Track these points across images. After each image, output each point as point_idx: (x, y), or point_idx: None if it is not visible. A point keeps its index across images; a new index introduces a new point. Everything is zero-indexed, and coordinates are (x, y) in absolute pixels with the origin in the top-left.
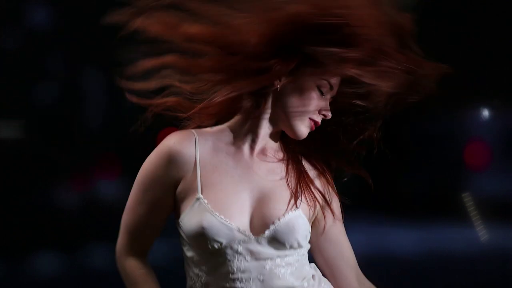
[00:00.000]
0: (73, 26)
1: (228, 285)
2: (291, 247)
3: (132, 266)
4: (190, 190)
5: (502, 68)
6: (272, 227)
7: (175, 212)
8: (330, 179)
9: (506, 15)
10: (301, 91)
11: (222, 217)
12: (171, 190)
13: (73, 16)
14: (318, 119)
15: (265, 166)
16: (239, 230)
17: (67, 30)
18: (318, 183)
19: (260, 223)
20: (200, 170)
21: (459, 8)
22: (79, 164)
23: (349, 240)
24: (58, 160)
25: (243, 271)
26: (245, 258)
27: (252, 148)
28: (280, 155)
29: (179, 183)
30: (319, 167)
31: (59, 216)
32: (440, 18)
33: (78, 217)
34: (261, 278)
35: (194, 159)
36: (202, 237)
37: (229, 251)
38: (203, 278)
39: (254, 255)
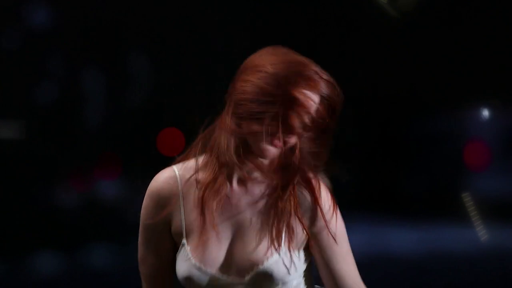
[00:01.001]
0: (73, 26)
1: None
2: (277, 285)
3: None
4: (179, 233)
5: (502, 68)
6: (251, 273)
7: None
8: (317, 199)
9: (506, 15)
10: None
11: (202, 266)
12: (167, 233)
13: (73, 16)
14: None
15: (245, 198)
16: (220, 278)
17: (67, 30)
18: (306, 207)
19: (241, 269)
20: (184, 212)
21: (459, 8)
22: (79, 164)
23: (349, 239)
24: (58, 160)
25: None
26: None
27: (228, 179)
28: (260, 183)
29: (171, 225)
30: (305, 186)
31: (59, 216)
32: (440, 18)
33: (78, 217)
34: None
35: (179, 200)
36: (188, 284)
37: None
38: None
39: None
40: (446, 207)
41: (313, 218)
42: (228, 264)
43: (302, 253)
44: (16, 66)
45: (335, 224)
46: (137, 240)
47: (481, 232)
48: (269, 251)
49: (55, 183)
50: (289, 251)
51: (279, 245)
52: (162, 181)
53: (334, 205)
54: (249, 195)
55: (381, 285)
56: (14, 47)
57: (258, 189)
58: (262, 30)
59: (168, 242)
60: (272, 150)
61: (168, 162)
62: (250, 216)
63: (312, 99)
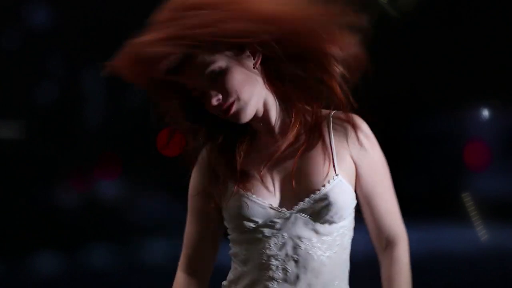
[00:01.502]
0: (73, 26)
1: (265, 262)
2: (328, 221)
3: (179, 282)
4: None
5: (502, 68)
6: (307, 200)
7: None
8: (355, 127)
9: (506, 15)
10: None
11: (255, 196)
12: (209, 196)
13: (73, 16)
14: (219, 112)
15: (286, 141)
16: (271, 207)
17: (67, 30)
18: (345, 137)
19: (294, 198)
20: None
21: (459, 8)
22: (79, 164)
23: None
24: (58, 160)
25: (279, 249)
26: (282, 236)
27: (267, 127)
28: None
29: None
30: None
31: (59, 216)
32: (440, 18)
33: (78, 217)
34: (296, 258)
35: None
36: (239, 219)
37: (266, 230)
38: (243, 255)
39: (290, 233)
40: (446, 207)
41: (353, 148)
42: (284, 195)
43: (352, 190)
44: (16, 66)
45: (375, 155)
46: (137, 240)
47: (481, 232)
48: (327, 177)
49: (55, 183)
50: (343, 179)
51: (335, 172)
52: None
53: (371, 136)
54: (284, 139)
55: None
56: (14, 47)
57: (288, 133)
58: None
59: (210, 206)
60: (216, 108)
61: (168, 162)
62: (294, 155)
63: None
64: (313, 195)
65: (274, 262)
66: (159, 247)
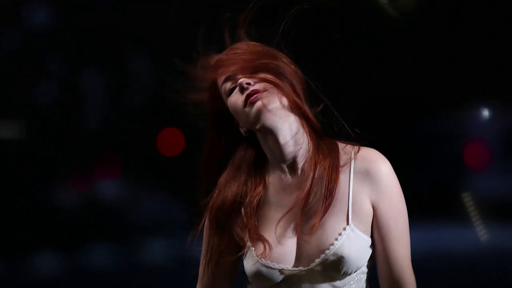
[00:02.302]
0: (73, 26)
1: None
2: (346, 273)
3: None
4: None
5: (502, 68)
6: (322, 256)
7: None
8: (375, 170)
9: (506, 15)
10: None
11: (269, 262)
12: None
13: (73, 16)
14: (244, 95)
15: (294, 190)
16: (288, 269)
17: (67, 30)
18: (364, 180)
19: (310, 255)
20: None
21: (459, 8)
22: (79, 164)
23: None
24: (58, 160)
25: None
26: (300, 286)
27: (281, 168)
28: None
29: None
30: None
31: (59, 216)
32: (440, 18)
33: (78, 217)
34: None
35: None
36: (258, 279)
37: (284, 284)
38: None
39: (309, 284)
40: (446, 207)
41: (373, 190)
42: (298, 255)
43: (368, 238)
44: (16, 66)
45: (394, 198)
46: (137, 240)
47: (481, 232)
48: (337, 231)
49: (55, 183)
50: (357, 229)
51: (347, 222)
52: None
53: (393, 179)
54: (296, 186)
55: None
56: (14, 47)
57: (304, 177)
58: (262, 30)
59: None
60: (240, 100)
61: (168, 162)
62: (311, 204)
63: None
64: (323, 255)
65: None
66: (159, 247)
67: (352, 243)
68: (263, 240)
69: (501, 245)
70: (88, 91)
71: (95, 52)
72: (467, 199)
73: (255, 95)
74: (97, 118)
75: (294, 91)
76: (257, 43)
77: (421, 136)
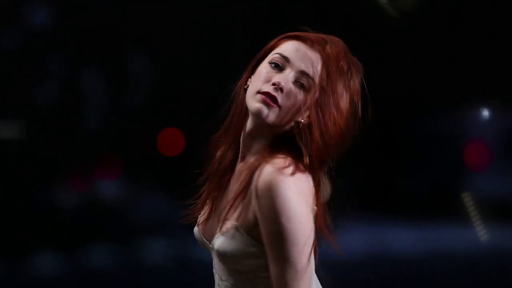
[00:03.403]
0: (73, 26)
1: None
2: (229, 269)
3: None
4: None
5: (502, 68)
6: (211, 242)
7: None
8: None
9: (506, 15)
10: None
11: (197, 226)
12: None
13: (73, 16)
14: (268, 89)
15: (237, 175)
16: (202, 237)
17: (67, 30)
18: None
19: (208, 237)
20: None
21: (459, 8)
22: (79, 164)
23: (349, 239)
24: (58, 160)
25: (216, 270)
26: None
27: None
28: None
29: None
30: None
31: (59, 216)
32: (440, 18)
33: (78, 217)
34: (219, 283)
35: None
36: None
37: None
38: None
39: (213, 262)
40: (446, 207)
41: (255, 205)
42: (206, 231)
43: (253, 242)
44: (16, 66)
45: (273, 222)
46: (137, 240)
47: (481, 232)
48: (226, 226)
49: (55, 183)
50: (237, 230)
51: (225, 219)
52: None
53: (278, 203)
54: (238, 171)
55: (381, 285)
56: (14, 47)
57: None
58: (262, 30)
59: None
60: (271, 84)
61: (168, 162)
62: (229, 195)
63: (296, 48)
64: (211, 242)
65: (215, 280)
66: (159, 247)
67: (233, 241)
68: (205, 206)
69: (501, 245)
70: (88, 91)
71: (95, 52)
72: (467, 199)
73: (271, 103)
74: (97, 118)
75: (302, 132)
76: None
77: (421, 136)
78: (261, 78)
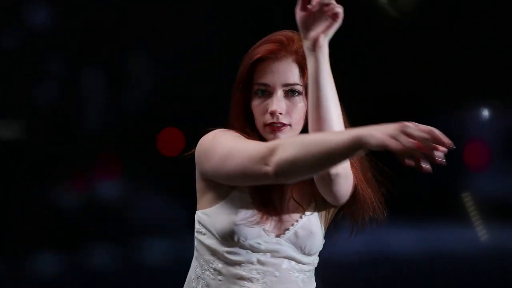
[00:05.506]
0: (73, 26)
1: (245, 274)
2: (306, 252)
3: None
4: None
5: (502, 68)
6: (292, 229)
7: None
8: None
9: (506, 15)
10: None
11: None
12: None
13: (73, 16)
14: (271, 119)
15: None
16: (264, 230)
17: (67, 30)
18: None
19: (281, 225)
20: None
21: (459, 8)
22: (79, 164)
23: (348, 239)
24: (58, 160)
25: (262, 264)
26: (265, 254)
27: None
28: None
29: None
30: None
31: (59, 216)
32: (440, 18)
33: (78, 217)
34: (277, 274)
35: None
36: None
37: (250, 246)
38: (217, 265)
39: (274, 254)
40: (446, 207)
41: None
42: (274, 226)
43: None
44: (16, 66)
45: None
46: (137, 240)
47: (481, 232)
48: (305, 209)
49: (55, 183)
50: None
51: (304, 210)
52: None
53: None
54: None
55: (381, 285)
56: (14, 47)
57: None
58: (262, 30)
59: None
60: (270, 116)
61: (168, 162)
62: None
63: (269, 69)
64: (296, 224)
65: (256, 275)
66: (159, 247)
67: (316, 221)
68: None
69: (501, 245)
70: (88, 91)
71: (95, 52)
72: (467, 199)
73: (281, 128)
74: (97, 118)
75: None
76: None
77: None
78: (259, 111)
